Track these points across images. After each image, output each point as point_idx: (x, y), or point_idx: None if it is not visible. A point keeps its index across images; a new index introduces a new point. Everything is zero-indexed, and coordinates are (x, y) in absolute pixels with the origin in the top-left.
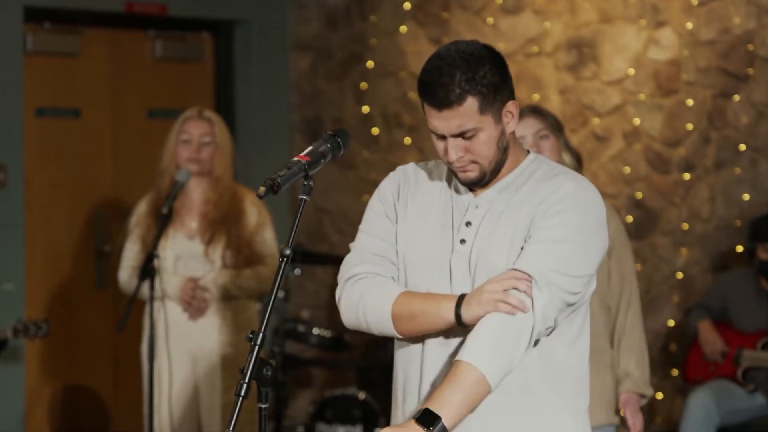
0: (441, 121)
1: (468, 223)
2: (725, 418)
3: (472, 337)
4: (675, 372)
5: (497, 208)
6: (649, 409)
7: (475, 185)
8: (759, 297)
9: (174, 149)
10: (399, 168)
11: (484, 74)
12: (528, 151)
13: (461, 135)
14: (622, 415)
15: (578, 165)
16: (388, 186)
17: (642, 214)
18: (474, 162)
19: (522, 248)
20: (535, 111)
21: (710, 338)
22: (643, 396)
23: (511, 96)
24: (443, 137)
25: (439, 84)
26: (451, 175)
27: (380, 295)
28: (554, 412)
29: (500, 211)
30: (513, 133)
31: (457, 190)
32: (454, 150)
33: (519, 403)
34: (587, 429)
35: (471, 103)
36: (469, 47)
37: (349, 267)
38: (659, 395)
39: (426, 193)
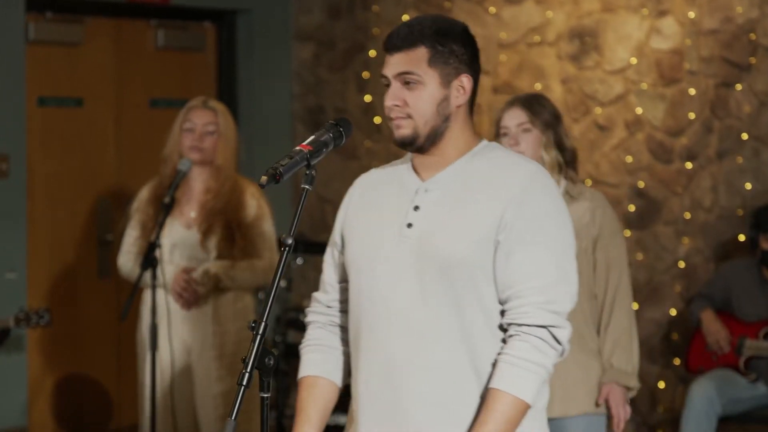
0: (389, 63)
1: (416, 208)
2: (727, 407)
3: (508, 368)
4: (677, 361)
5: (450, 192)
6: (651, 399)
7: (407, 146)
8: (761, 286)
9: (177, 137)
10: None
11: (447, 39)
12: (481, 138)
13: (403, 76)
14: (598, 406)
15: (568, 162)
16: (340, 208)
17: (644, 203)
18: (409, 117)
19: (499, 243)
20: (524, 103)
21: (713, 328)
22: (629, 388)
23: (471, 73)
24: (388, 80)
25: (399, 30)
26: (402, 169)
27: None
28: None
29: (454, 196)
30: (468, 116)
31: (406, 178)
32: (393, 96)
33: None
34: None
35: (422, 52)
36: (450, 21)
37: (309, 310)
38: (661, 384)
39: (377, 189)
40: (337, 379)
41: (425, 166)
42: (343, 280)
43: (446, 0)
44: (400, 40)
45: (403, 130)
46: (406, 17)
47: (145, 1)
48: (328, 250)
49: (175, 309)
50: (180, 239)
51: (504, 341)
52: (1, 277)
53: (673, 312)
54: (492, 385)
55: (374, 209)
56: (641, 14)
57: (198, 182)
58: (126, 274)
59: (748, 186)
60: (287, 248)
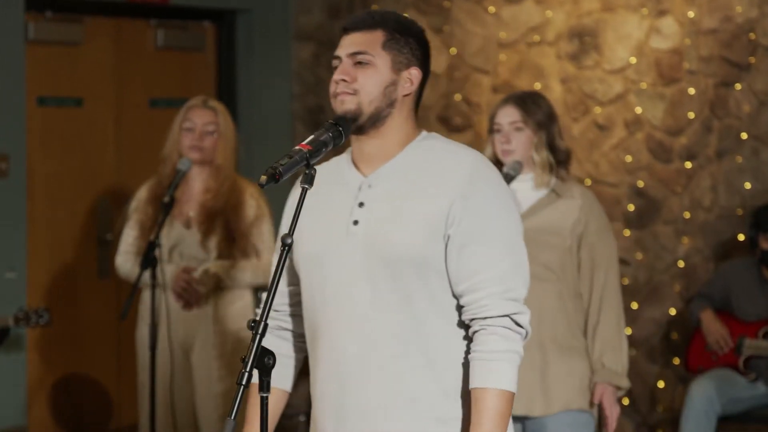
0: (345, 43)
1: (361, 204)
2: (727, 406)
3: (485, 365)
4: (677, 361)
5: (394, 186)
6: (651, 398)
7: (347, 122)
8: (760, 286)
9: (177, 137)
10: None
11: (405, 31)
12: (422, 131)
13: (356, 56)
14: (592, 407)
15: (561, 161)
16: (284, 213)
17: (643, 202)
18: (355, 93)
19: (450, 238)
20: (519, 102)
21: (713, 328)
22: (619, 388)
23: (421, 68)
24: (339, 62)
25: (359, 14)
26: (342, 164)
27: None
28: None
29: (398, 190)
30: (412, 110)
31: (347, 174)
32: (342, 72)
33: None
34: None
35: (378, 34)
36: (411, 19)
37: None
38: (661, 384)
39: (319, 189)
40: (286, 386)
41: (366, 159)
42: (291, 283)
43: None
44: (359, 22)
45: (348, 105)
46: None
47: (144, 1)
48: (275, 255)
49: (175, 309)
50: (180, 239)
51: (468, 337)
52: (1, 276)
53: (673, 311)
54: (474, 385)
55: (318, 209)
56: (641, 14)
57: (197, 182)
58: (124, 275)
59: (748, 185)
60: (287, 247)
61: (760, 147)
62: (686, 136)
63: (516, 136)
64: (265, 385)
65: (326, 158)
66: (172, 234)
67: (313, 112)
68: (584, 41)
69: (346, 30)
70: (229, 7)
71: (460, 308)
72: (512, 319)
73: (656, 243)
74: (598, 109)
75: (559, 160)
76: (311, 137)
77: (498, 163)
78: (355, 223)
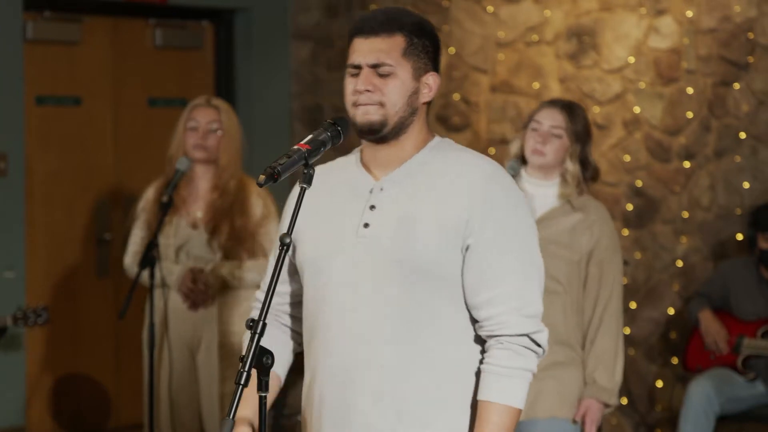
0: (363, 49)
1: (372, 207)
2: (725, 406)
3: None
4: (675, 360)
5: (407, 190)
6: (650, 397)
7: (371, 133)
8: (759, 285)
9: (182, 136)
10: None
11: (422, 33)
12: (435, 135)
13: (377, 67)
14: (575, 422)
15: (589, 178)
16: (285, 211)
17: (642, 202)
18: (380, 104)
19: (468, 248)
20: (567, 108)
21: (712, 328)
22: (607, 405)
23: (436, 70)
24: (358, 70)
25: (375, 17)
26: (351, 166)
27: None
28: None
29: (411, 194)
30: (426, 114)
31: (358, 177)
32: (366, 82)
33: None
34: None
35: (398, 40)
36: (421, 16)
37: (253, 305)
38: (659, 383)
39: (325, 190)
40: (281, 372)
41: (378, 162)
42: (291, 285)
43: None
44: (378, 25)
45: (372, 116)
46: None
47: (143, 0)
48: (274, 253)
49: (181, 309)
50: (187, 239)
51: (474, 346)
52: (0, 276)
53: (672, 311)
54: (481, 397)
55: (326, 212)
56: (639, 13)
57: (203, 181)
58: (132, 275)
59: (746, 185)
60: (285, 247)
61: (759, 146)
62: (685, 135)
63: (552, 141)
64: (263, 385)
65: (331, 158)
66: (179, 234)
67: (312, 111)
68: (583, 41)
69: (363, 33)
70: (228, 6)
71: (469, 318)
72: (531, 338)
73: (655, 242)
74: (596, 109)
75: (586, 177)
76: (310, 137)
77: (523, 159)
78: (366, 225)
